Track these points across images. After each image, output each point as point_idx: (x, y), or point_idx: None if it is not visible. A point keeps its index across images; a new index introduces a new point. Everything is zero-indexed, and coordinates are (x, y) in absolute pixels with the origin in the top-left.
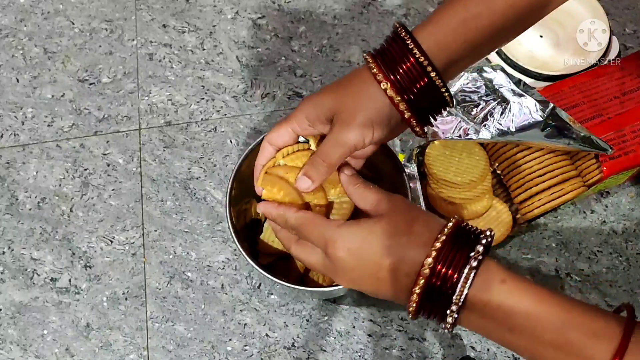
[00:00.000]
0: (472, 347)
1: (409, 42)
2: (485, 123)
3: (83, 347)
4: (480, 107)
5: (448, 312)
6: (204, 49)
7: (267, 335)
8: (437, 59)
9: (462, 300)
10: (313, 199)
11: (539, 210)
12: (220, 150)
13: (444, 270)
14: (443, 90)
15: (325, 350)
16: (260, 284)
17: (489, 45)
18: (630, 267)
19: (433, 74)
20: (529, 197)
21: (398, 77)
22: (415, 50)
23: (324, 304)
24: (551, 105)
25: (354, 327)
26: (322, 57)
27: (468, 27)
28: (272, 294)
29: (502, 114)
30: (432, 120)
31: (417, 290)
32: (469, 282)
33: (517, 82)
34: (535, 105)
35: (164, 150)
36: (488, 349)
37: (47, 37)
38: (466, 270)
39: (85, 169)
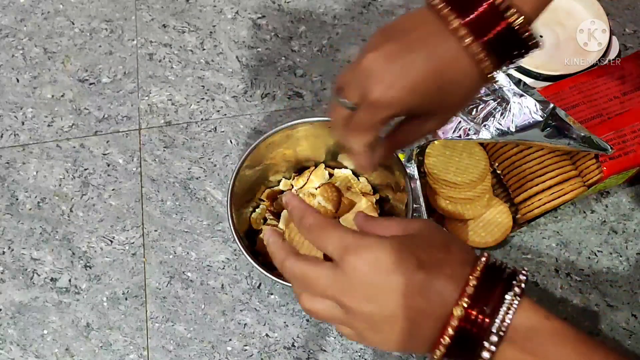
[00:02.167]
0: None
1: None
2: (485, 123)
3: (83, 347)
4: (480, 107)
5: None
6: (204, 49)
7: (267, 335)
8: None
9: (492, 350)
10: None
11: (539, 210)
12: (220, 150)
13: (475, 313)
14: (527, 35)
15: (325, 350)
16: (260, 284)
17: None
18: (630, 267)
19: (515, 18)
20: (529, 197)
21: (472, 22)
22: None
23: None
24: (551, 105)
25: None
26: (322, 57)
27: None
28: (272, 294)
29: (502, 114)
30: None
31: (450, 332)
32: (503, 330)
33: (517, 82)
34: (535, 105)
35: (164, 150)
36: None
37: (47, 37)
38: (500, 316)
39: (85, 169)
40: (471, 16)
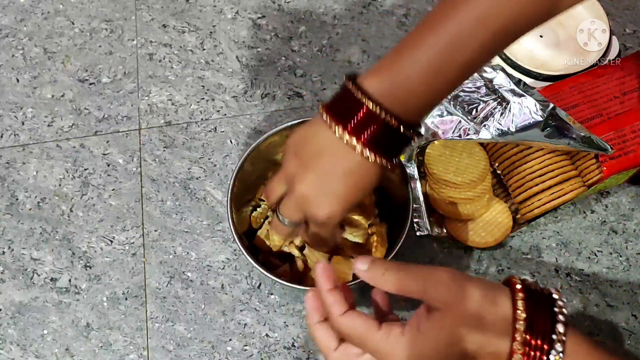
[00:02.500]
0: None
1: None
2: (485, 123)
3: (83, 347)
4: (480, 107)
5: None
6: (204, 49)
7: (267, 335)
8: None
9: None
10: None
11: (539, 210)
12: (220, 150)
13: (533, 347)
14: (403, 130)
15: None
16: (260, 284)
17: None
18: (630, 267)
19: (388, 117)
20: (529, 197)
21: (355, 128)
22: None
23: None
24: (551, 105)
25: None
26: (322, 57)
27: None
28: (272, 294)
29: (502, 114)
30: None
31: None
32: None
33: (517, 82)
34: (535, 105)
35: (164, 150)
36: None
37: (47, 37)
38: (554, 350)
39: (85, 169)
40: (352, 122)
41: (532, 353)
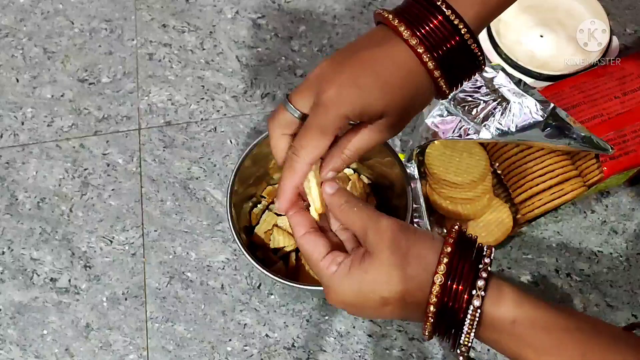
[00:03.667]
0: (473, 348)
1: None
2: (485, 123)
3: (83, 347)
4: (481, 107)
5: (462, 337)
6: (204, 49)
7: (267, 335)
8: (467, 16)
9: (474, 326)
10: None
11: (539, 210)
12: (220, 150)
13: (452, 293)
14: (477, 51)
15: (325, 351)
16: (260, 284)
17: None
18: (630, 267)
19: (466, 33)
20: (529, 197)
21: (425, 34)
22: (445, 9)
23: (324, 304)
24: (551, 105)
25: (354, 327)
26: (322, 57)
27: None
28: (272, 294)
29: (502, 114)
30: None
31: (430, 320)
32: (478, 312)
33: (518, 82)
34: (536, 105)
35: (164, 150)
36: (488, 349)
37: (47, 37)
38: (474, 295)
39: (85, 169)
40: (422, 30)
41: (456, 278)
